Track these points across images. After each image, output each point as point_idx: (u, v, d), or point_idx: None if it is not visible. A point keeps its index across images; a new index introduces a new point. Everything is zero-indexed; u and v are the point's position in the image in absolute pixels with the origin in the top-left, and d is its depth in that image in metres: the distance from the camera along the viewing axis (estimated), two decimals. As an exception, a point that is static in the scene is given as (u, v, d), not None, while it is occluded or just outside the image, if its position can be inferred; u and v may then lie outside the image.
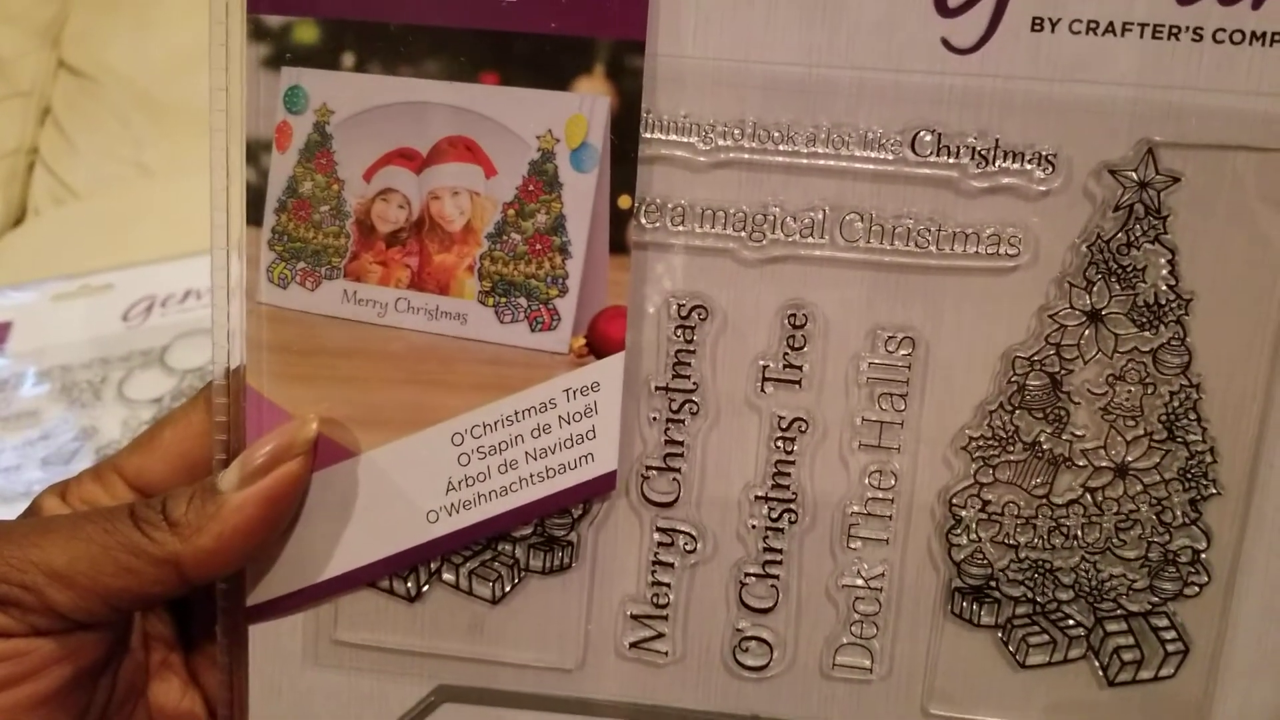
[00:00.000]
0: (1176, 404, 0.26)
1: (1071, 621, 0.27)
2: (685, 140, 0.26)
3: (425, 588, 0.29)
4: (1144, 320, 0.26)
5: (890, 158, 0.26)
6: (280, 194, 0.27)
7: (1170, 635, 0.27)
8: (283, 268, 0.28)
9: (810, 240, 0.26)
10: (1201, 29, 0.24)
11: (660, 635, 0.28)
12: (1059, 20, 0.25)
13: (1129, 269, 0.26)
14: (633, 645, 0.28)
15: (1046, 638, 0.27)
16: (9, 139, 0.94)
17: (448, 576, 0.29)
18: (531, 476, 0.28)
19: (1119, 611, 0.27)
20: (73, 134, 0.91)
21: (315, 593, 0.29)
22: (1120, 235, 0.25)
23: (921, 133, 0.25)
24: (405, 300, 0.27)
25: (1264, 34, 0.24)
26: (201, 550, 0.27)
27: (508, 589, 0.29)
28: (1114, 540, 0.27)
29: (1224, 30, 0.24)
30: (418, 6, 0.26)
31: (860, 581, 0.28)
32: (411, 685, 0.29)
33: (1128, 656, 0.27)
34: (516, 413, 0.27)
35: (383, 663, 0.29)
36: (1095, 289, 0.26)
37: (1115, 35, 0.25)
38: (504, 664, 0.29)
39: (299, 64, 0.27)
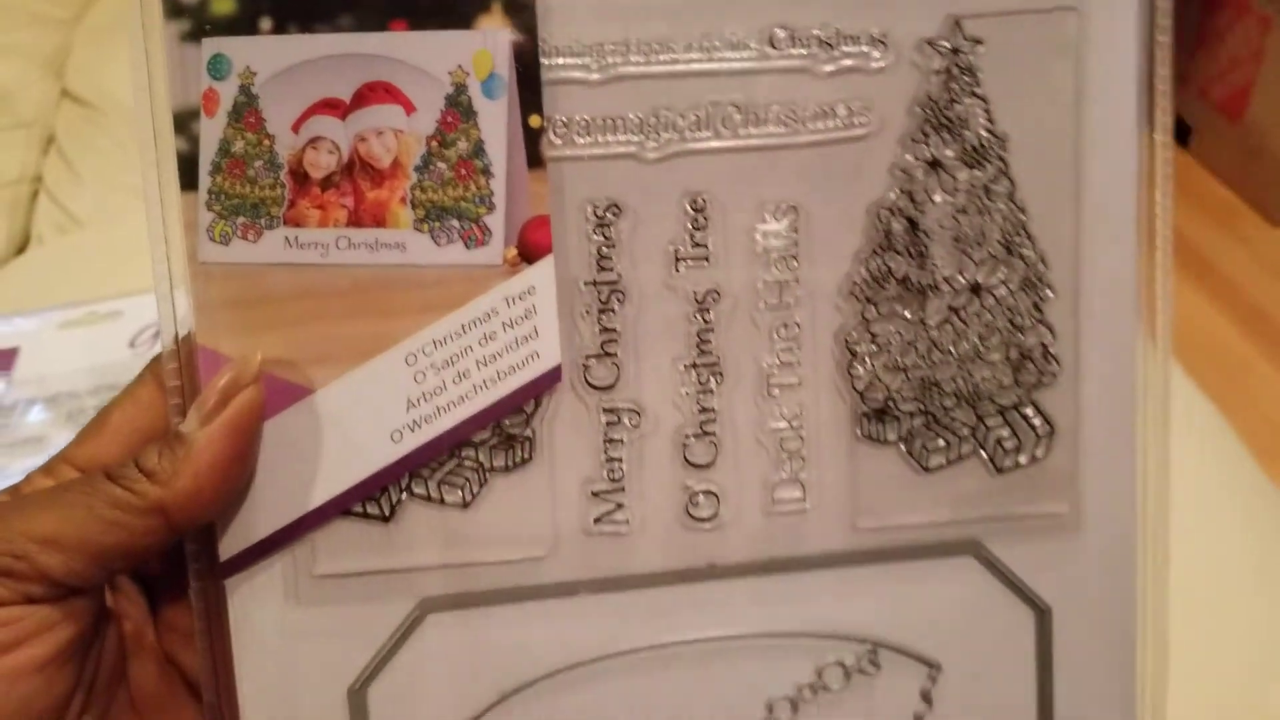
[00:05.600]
0: (1009, 226, 0.33)
1: (959, 424, 0.33)
2: (580, 62, 0.31)
3: (398, 505, 0.32)
4: (973, 161, 0.32)
5: (754, 54, 0.31)
6: (214, 156, 0.30)
7: (1038, 421, 0.33)
8: (223, 225, 0.30)
9: (698, 134, 0.31)
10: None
11: (620, 506, 0.33)
12: (868, -75, 0.31)
13: (954, 121, 0.32)
14: (596, 520, 0.32)
15: (942, 442, 0.33)
16: (12, 168, 0.96)
17: (418, 490, 0.32)
18: (485, 382, 0.31)
19: (995, 408, 0.33)
20: (77, 163, 0.94)
21: (291, 532, 0.31)
22: (944, 94, 0.32)
23: (776, 30, 0.31)
24: (345, 238, 0.31)
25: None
26: (182, 492, 0.29)
27: (476, 491, 0.32)
28: (980, 348, 0.33)
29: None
30: (326, -32, 0.29)
31: (784, 424, 0.33)
32: (396, 605, 0.32)
33: (1008, 445, 0.33)
34: (463, 325, 0.31)
35: (365, 589, 0.32)
36: (931, 141, 0.32)
37: (914, -67, 0.31)
38: (481, 564, 0.32)
39: (219, 34, 0.30)
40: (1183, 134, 1.79)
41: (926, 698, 0.34)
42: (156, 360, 0.31)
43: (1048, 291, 0.33)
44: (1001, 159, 0.32)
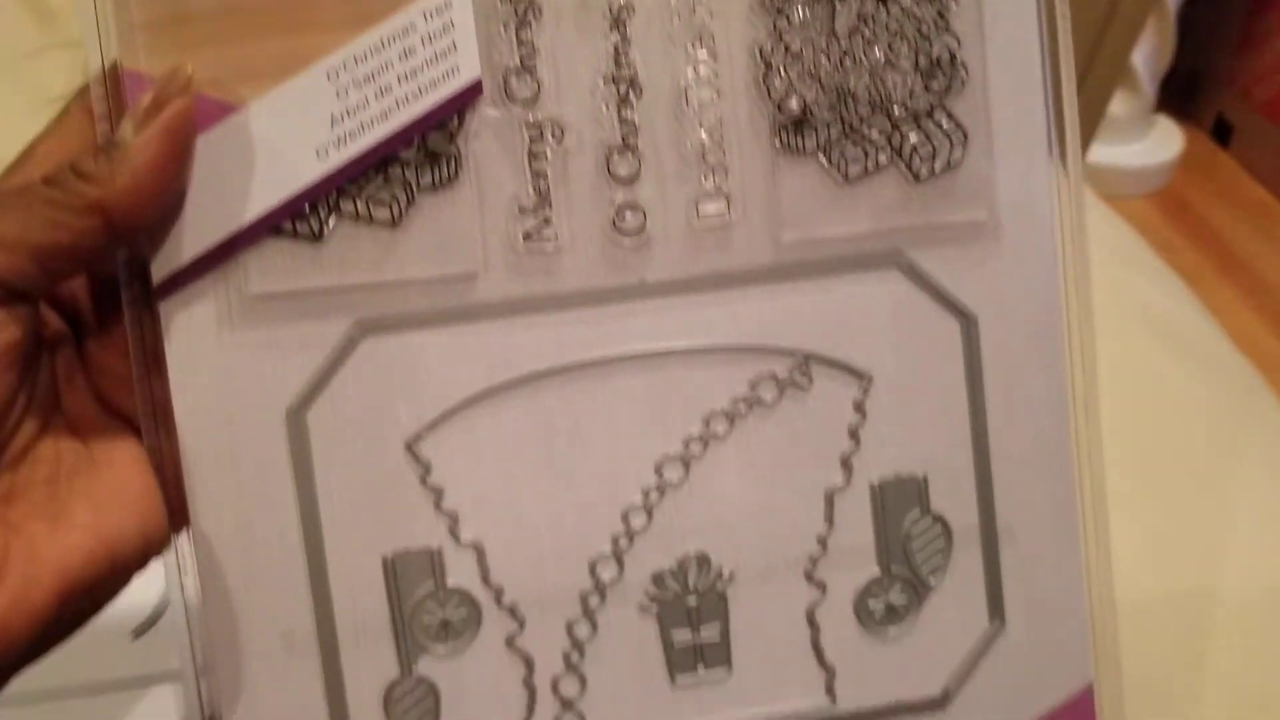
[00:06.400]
0: (910, -65, 0.34)
1: (875, 133, 0.34)
2: None
3: (327, 222, 0.32)
4: None
5: None
6: (128, -124, 0.31)
7: (950, 126, 0.34)
8: (141, -55, 0.31)
9: None
10: None
11: (547, 222, 0.33)
12: None
13: None
14: (526, 237, 0.33)
15: (860, 151, 0.34)
16: (56, 85, 0.98)
17: (347, 208, 0.32)
18: (406, 97, 0.32)
19: (909, 115, 0.34)
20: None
21: (224, 251, 0.32)
22: None
23: None
24: (263, -45, 0.31)
25: None
26: (121, 192, 0.29)
27: (404, 208, 0.32)
28: (889, 54, 0.34)
29: None
30: None
31: (705, 136, 0.34)
32: (331, 324, 0.33)
33: (924, 152, 0.34)
34: (382, 40, 0.32)
35: (300, 308, 0.32)
36: None
37: None
38: (414, 282, 0.33)
39: None
40: (1224, 134, 1.81)
41: (859, 408, 0.35)
42: (83, 90, 0.32)
43: (951, 1, 0.34)
44: None
